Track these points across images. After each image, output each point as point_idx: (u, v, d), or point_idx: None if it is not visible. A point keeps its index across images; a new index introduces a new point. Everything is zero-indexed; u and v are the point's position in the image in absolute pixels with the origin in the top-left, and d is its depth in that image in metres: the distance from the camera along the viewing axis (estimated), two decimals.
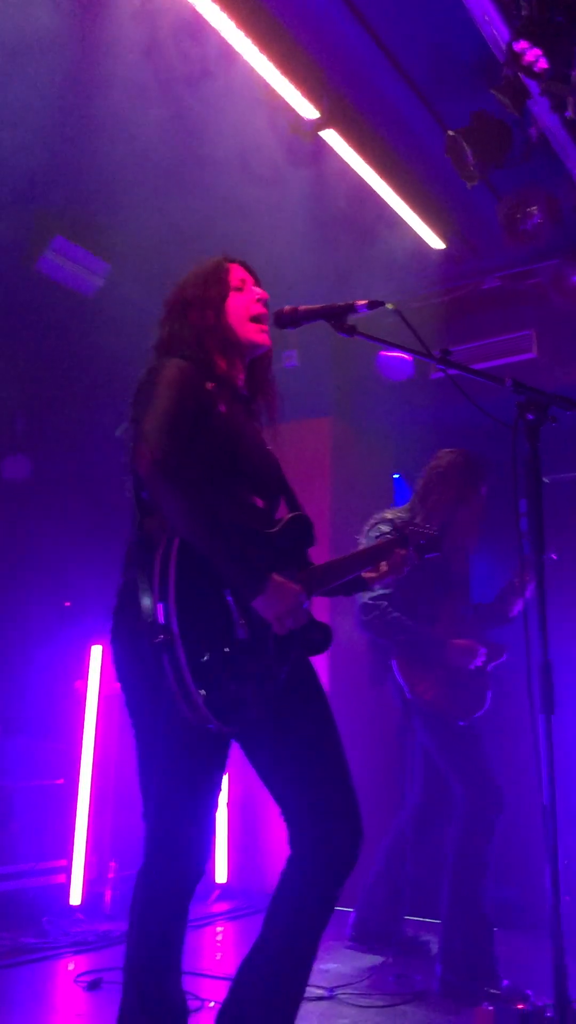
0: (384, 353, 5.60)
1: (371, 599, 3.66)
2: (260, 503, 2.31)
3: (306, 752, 2.20)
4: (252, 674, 2.05)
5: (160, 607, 1.96)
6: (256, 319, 2.43)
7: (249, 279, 2.49)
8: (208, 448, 2.16)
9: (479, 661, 3.63)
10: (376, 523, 3.74)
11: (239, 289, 2.44)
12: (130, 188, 4.23)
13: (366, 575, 2.45)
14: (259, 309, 2.44)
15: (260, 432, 2.44)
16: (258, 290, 2.48)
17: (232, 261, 2.50)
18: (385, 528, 3.61)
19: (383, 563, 2.47)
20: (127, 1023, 2.08)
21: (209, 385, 2.23)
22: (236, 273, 2.47)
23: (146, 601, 2.00)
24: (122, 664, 2.20)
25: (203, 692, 1.93)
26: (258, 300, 2.45)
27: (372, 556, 2.46)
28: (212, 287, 2.41)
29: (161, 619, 1.94)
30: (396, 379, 5.58)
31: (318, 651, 2.22)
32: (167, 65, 3.49)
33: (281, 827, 2.23)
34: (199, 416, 2.16)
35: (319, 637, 2.22)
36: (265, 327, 2.44)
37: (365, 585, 2.50)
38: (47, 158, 4.08)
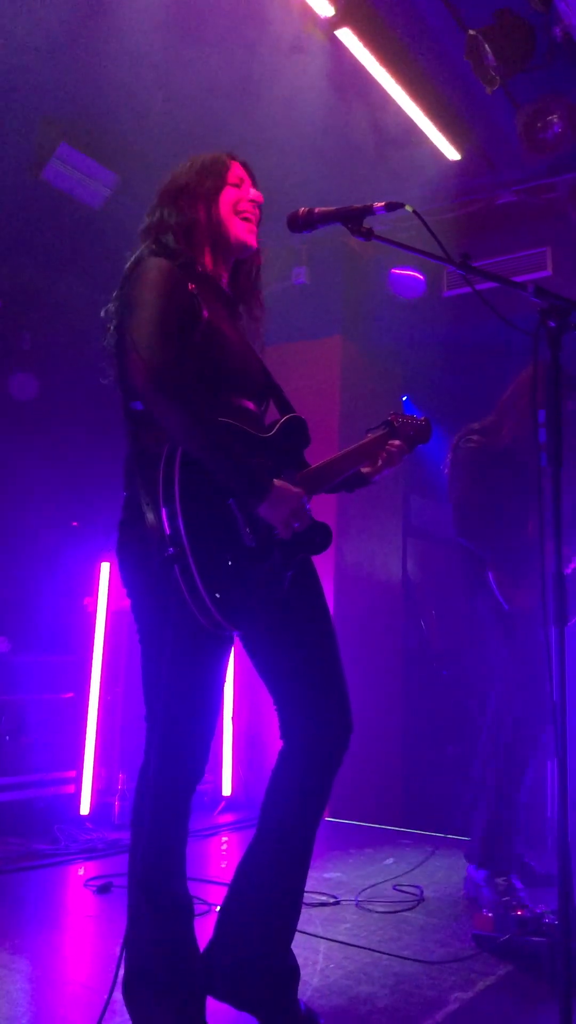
0: (396, 271, 5.48)
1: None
2: (251, 407, 2.29)
3: (303, 650, 2.25)
4: (259, 579, 2.07)
5: (167, 520, 1.96)
6: (246, 218, 2.36)
7: (247, 179, 2.41)
8: (194, 354, 2.12)
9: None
10: (465, 434, 3.65)
11: (236, 186, 2.37)
12: (137, 96, 4.10)
13: (364, 470, 2.43)
14: (250, 208, 2.37)
15: (243, 334, 2.38)
16: (254, 191, 2.40)
17: (233, 159, 2.42)
18: (475, 439, 3.59)
19: (379, 457, 2.44)
20: (135, 924, 2.12)
21: (191, 286, 2.17)
22: (235, 171, 2.39)
23: (150, 515, 2.01)
24: (129, 574, 2.21)
25: (218, 596, 1.95)
26: (251, 200, 2.37)
27: (365, 452, 2.42)
28: (207, 178, 2.34)
29: (168, 531, 1.95)
30: (408, 297, 5.47)
31: (319, 551, 2.25)
32: None
33: None
34: (184, 321, 2.11)
35: (320, 538, 2.23)
36: (254, 228, 2.38)
37: (365, 480, 2.47)
38: (52, 64, 3.95)
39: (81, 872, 3.93)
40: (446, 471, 3.74)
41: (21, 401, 5.89)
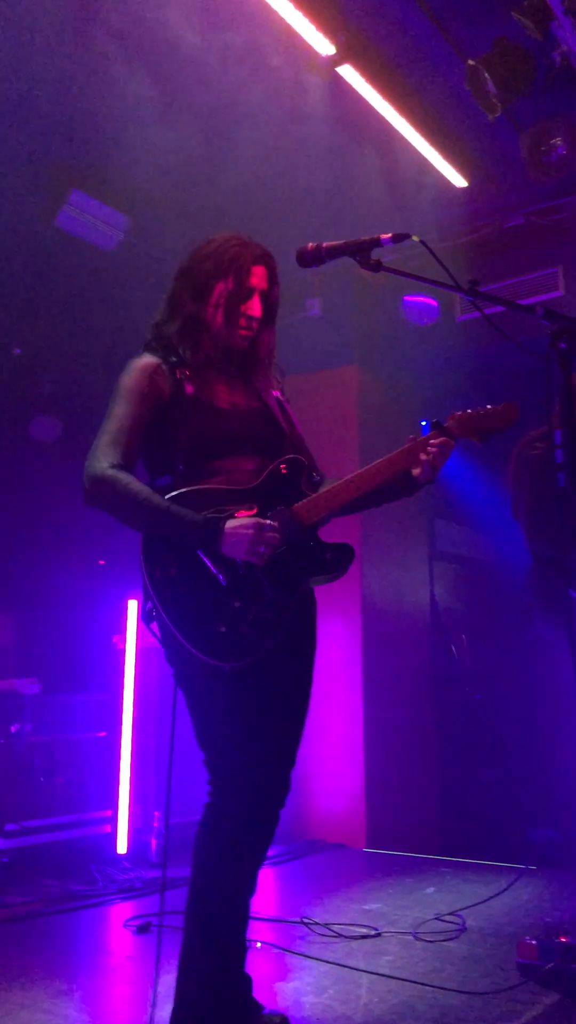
0: (409, 298, 5.52)
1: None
2: (246, 464, 2.34)
3: (270, 716, 2.29)
4: (247, 611, 2.18)
5: (144, 577, 2.20)
6: (241, 328, 2.41)
7: (262, 286, 2.42)
8: (181, 425, 2.31)
9: None
10: (529, 442, 3.61)
11: (242, 297, 2.38)
12: (144, 139, 4.17)
13: (415, 472, 2.35)
14: (243, 323, 2.40)
15: (253, 396, 2.46)
16: (257, 305, 2.41)
17: (259, 262, 2.41)
18: (540, 445, 3.51)
19: (422, 457, 2.34)
20: (191, 969, 2.14)
21: (178, 373, 2.34)
22: (253, 277, 2.40)
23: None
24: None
25: (191, 641, 2.15)
26: (248, 317, 2.40)
27: (394, 463, 2.36)
28: (216, 276, 2.39)
29: (149, 587, 2.19)
30: (421, 323, 5.50)
31: (332, 571, 2.30)
32: (179, 5, 3.41)
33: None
34: (160, 412, 2.32)
35: (331, 556, 2.29)
36: (246, 335, 2.43)
37: (415, 485, 2.41)
38: (57, 111, 4.03)
39: (120, 913, 3.92)
40: (509, 481, 3.67)
41: (44, 443, 5.96)
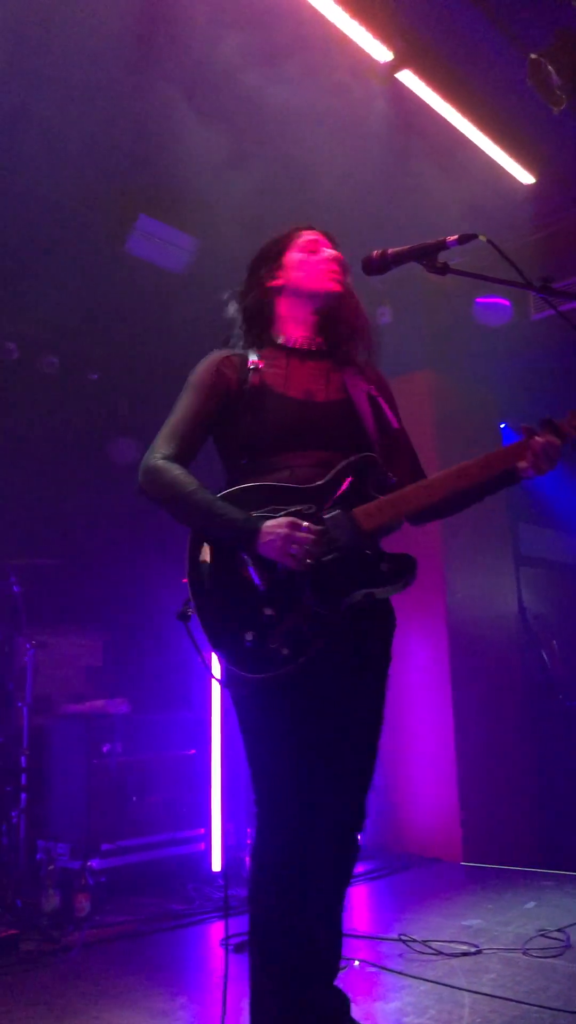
0: (481, 299, 5.43)
1: None
2: (318, 460, 2.19)
3: (318, 737, 2.13)
4: (279, 620, 2.03)
5: (188, 571, 2.13)
6: (327, 271, 2.35)
7: (324, 242, 2.40)
8: (245, 423, 2.23)
9: None
10: None
11: (311, 251, 2.37)
12: (207, 157, 4.20)
13: (520, 465, 2.13)
14: (325, 262, 2.36)
15: (324, 388, 2.31)
16: (330, 251, 2.38)
17: (306, 228, 2.43)
18: None
19: (529, 454, 2.12)
20: (261, 1011, 2.04)
21: (251, 362, 2.28)
22: (305, 237, 2.40)
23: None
24: None
25: (218, 647, 2.06)
26: (331, 259, 2.36)
27: (493, 460, 2.16)
28: (272, 247, 2.41)
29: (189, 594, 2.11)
30: (495, 323, 5.41)
31: (385, 584, 2.07)
32: (233, 23, 3.43)
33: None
34: (228, 404, 2.26)
35: (387, 568, 2.08)
36: (334, 273, 2.35)
37: (515, 477, 2.18)
38: (121, 138, 4.10)
39: (216, 932, 3.92)
40: None
41: (123, 464, 6.05)
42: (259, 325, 2.37)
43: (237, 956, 3.51)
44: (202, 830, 4.74)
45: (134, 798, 4.63)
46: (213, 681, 4.90)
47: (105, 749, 4.61)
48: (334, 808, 2.19)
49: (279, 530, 2.03)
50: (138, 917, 4.06)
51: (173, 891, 4.43)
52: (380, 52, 3.71)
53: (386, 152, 4.21)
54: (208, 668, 2.21)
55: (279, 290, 2.37)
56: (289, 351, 2.35)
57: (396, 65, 3.78)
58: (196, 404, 2.27)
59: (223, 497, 2.14)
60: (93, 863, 4.28)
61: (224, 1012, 2.08)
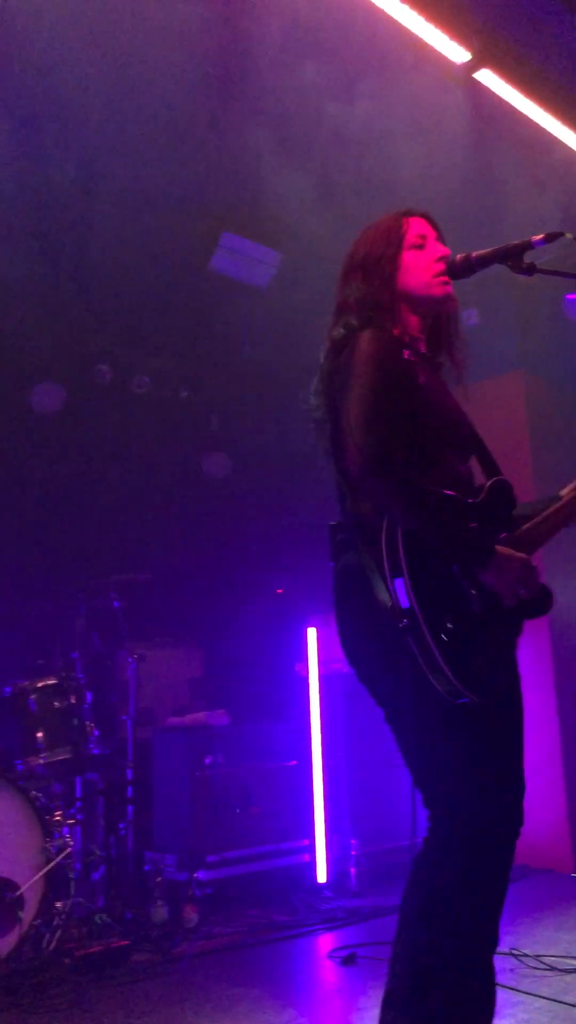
0: (571, 296, 5.31)
1: None
2: (462, 468, 2.18)
3: (504, 744, 2.10)
4: (489, 645, 1.99)
5: (399, 591, 1.92)
6: (435, 275, 2.24)
7: (431, 234, 2.30)
8: (414, 423, 2.05)
9: None
10: None
11: (417, 247, 2.26)
12: (286, 171, 4.24)
13: None
14: (439, 267, 2.24)
15: (449, 391, 2.28)
16: (438, 247, 2.28)
17: (410, 215, 2.31)
18: None
19: None
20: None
21: (406, 353, 2.11)
22: (414, 229, 2.28)
23: (379, 585, 1.97)
24: (360, 647, 2.14)
25: (454, 664, 1.89)
26: (437, 259, 2.24)
27: None
28: (385, 248, 2.25)
29: (403, 603, 1.91)
30: None
31: (539, 614, 2.11)
32: (310, 32, 3.45)
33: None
34: (403, 392, 2.05)
35: (539, 600, 2.08)
36: (446, 281, 2.25)
37: None
38: (201, 155, 4.16)
39: (324, 944, 3.90)
40: None
41: (216, 479, 6.13)
42: (394, 312, 2.23)
43: (345, 969, 3.50)
44: (306, 841, 4.74)
45: (237, 810, 4.66)
46: (311, 691, 4.90)
47: (207, 761, 4.65)
48: (513, 808, 2.11)
49: (513, 569, 1.98)
50: (244, 928, 4.08)
51: (278, 902, 4.43)
52: (458, 53, 3.67)
53: (469, 156, 4.17)
54: (414, 685, 1.97)
55: (394, 293, 2.24)
56: (420, 352, 2.26)
57: (474, 65, 3.74)
58: (391, 380, 2.05)
59: None
60: (199, 875, 4.32)
61: None
